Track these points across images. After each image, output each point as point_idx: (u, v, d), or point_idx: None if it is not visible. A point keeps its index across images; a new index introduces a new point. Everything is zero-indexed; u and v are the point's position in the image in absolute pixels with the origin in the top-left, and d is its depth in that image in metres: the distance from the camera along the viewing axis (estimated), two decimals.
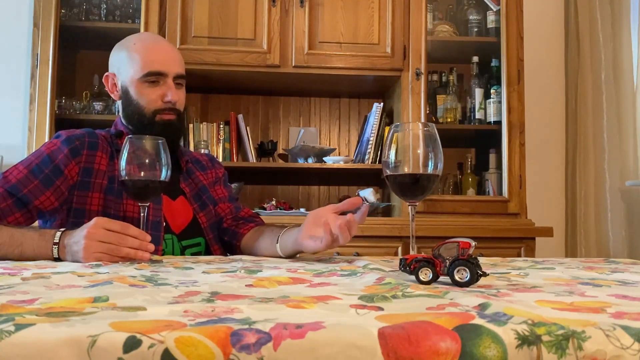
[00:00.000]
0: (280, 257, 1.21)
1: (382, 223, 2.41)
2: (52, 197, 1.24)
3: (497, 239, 2.38)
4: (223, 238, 1.44)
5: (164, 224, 1.33)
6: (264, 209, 2.57)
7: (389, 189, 2.01)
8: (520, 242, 2.43)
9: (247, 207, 1.55)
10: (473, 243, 0.70)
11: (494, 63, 2.63)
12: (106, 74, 1.41)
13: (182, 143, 1.51)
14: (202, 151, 2.50)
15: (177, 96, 1.34)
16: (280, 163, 2.81)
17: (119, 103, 1.41)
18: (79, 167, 1.28)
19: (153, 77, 1.32)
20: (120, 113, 1.41)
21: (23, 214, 1.23)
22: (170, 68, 1.34)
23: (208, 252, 1.41)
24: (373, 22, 2.52)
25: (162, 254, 1.30)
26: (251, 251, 1.34)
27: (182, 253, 1.36)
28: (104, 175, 1.29)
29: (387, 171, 0.97)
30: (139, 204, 1.09)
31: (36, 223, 1.31)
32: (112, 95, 1.42)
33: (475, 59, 2.68)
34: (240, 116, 2.68)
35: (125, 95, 1.36)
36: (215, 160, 1.60)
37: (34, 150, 1.32)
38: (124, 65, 1.36)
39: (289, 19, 2.49)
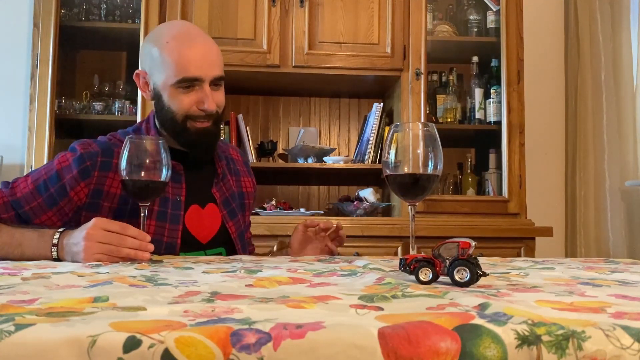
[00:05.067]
0: None
1: (382, 223, 2.41)
2: (54, 217, 1.20)
3: (497, 239, 2.38)
4: None
5: (179, 242, 1.26)
6: (264, 209, 2.57)
7: (389, 189, 2.01)
8: (520, 242, 2.43)
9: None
10: (473, 243, 0.70)
11: (493, 63, 2.63)
12: (137, 71, 1.31)
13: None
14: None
15: (213, 104, 1.24)
16: (280, 163, 2.81)
17: (152, 102, 1.31)
18: (88, 189, 1.20)
19: (187, 84, 1.22)
20: (154, 114, 1.32)
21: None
22: (207, 72, 1.23)
23: None
24: (373, 22, 2.52)
25: None
26: None
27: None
28: (114, 198, 1.22)
29: (387, 171, 0.97)
30: (139, 204, 1.09)
31: None
32: (143, 94, 1.33)
33: (475, 59, 2.68)
34: (240, 116, 2.68)
35: (157, 98, 1.27)
36: (249, 165, 1.52)
37: (50, 160, 1.24)
38: (157, 67, 1.25)
39: (289, 19, 2.49)
